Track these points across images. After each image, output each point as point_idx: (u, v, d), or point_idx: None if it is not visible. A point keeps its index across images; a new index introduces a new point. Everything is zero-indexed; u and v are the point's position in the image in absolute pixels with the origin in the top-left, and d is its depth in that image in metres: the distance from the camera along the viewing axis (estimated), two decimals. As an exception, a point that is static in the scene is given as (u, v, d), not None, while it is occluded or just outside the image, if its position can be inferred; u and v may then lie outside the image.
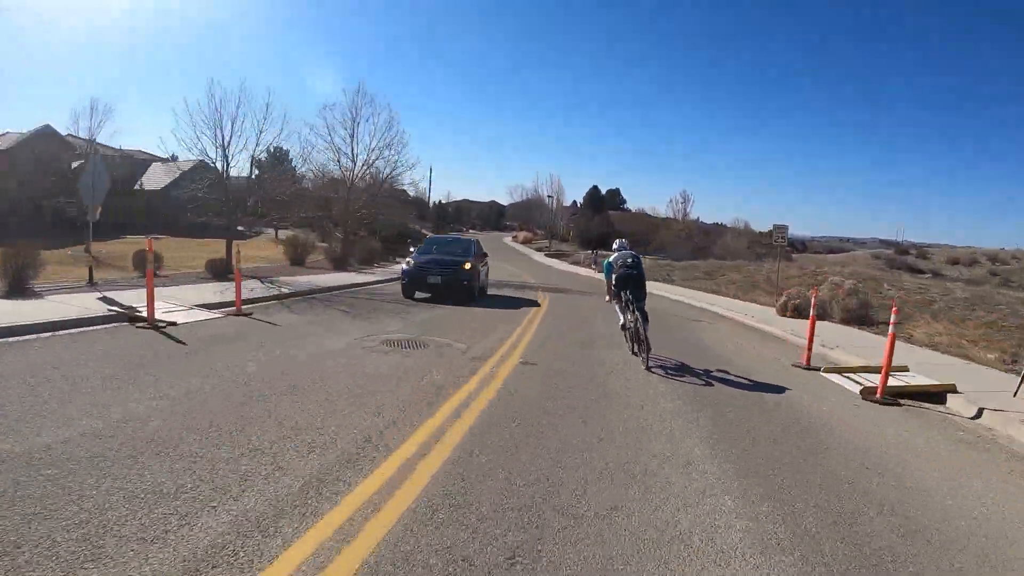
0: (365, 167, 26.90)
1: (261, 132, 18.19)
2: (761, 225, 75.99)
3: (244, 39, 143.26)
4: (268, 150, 40.65)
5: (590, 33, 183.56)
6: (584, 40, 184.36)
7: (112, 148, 34.64)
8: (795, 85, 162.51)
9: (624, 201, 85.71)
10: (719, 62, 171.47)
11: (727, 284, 27.50)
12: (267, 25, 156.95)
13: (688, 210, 67.72)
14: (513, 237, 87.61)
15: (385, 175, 27.48)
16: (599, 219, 65.00)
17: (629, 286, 8.08)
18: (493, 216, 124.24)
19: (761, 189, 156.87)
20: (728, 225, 71.01)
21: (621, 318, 8.74)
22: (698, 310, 17.99)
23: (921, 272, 58.79)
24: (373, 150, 26.60)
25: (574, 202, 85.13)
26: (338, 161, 26.68)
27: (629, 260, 8.26)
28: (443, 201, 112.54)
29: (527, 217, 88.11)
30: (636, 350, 8.23)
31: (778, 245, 20.41)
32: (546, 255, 58.17)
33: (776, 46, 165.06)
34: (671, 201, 67.62)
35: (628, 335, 8.61)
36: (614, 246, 8.99)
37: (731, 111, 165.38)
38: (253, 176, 37.75)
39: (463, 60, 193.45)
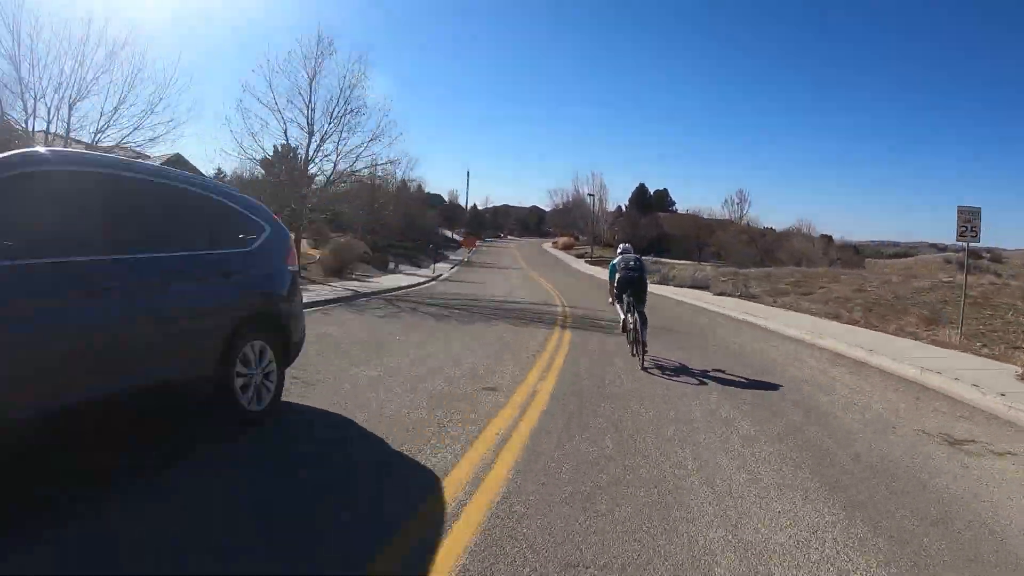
0: (321, 139, 19.39)
1: (81, 64, 10.82)
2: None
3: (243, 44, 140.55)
4: (275, 147, 34.91)
5: (630, 31, 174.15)
6: (624, 38, 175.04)
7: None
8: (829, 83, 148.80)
9: (673, 203, 76.51)
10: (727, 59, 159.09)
11: (839, 303, 18.69)
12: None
13: (745, 211, 58.18)
14: (553, 243, 79.61)
15: (342, 153, 19.81)
16: (647, 221, 56.22)
17: (631, 288, 8.09)
18: (533, 222, 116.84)
19: (776, 189, 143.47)
20: (778, 229, 61.12)
21: (622, 316, 8.38)
22: (850, 362, 9.51)
23: (999, 276, 48.45)
24: (334, 118, 19.10)
25: (619, 207, 76.66)
26: (285, 133, 19.26)
27: (631, 263, 8.29)
28: (478, 206, 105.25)
29: (568, 222, 79.88)
30: (635, 351, 7.91)
31: (967, 240, 11.73)
32: (588, 262, 49.88)
33: (769, 44, 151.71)
34: (726, 201, 58.20)
35: (629, 336, 8.23)
36: (618, 250, 9.01)
37: (776, 109, 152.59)
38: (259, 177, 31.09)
39: (500, 60, 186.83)
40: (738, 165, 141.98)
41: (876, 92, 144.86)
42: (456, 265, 41.63)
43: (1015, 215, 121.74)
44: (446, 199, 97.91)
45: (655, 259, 40.55)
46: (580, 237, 77.48)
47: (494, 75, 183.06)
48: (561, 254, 61.87)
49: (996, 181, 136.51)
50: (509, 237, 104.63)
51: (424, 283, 24.64)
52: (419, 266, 36.67)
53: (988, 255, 74.44)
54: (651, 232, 53.71)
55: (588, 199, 61.43)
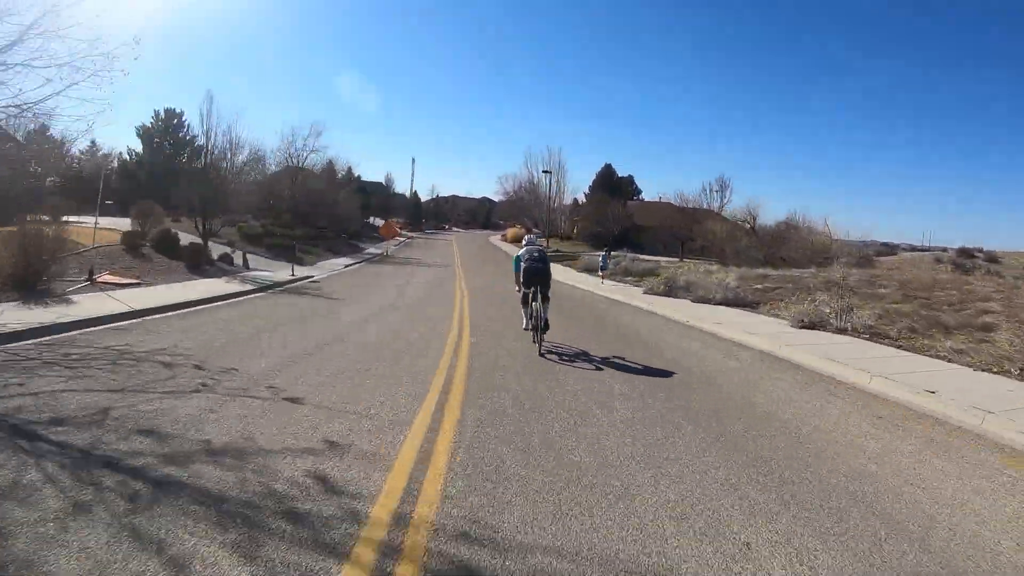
0: None
1: None
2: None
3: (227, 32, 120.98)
4: (157, 114, 24.53)
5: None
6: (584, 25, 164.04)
7: None
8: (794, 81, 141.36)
9: (639, 191, 65.73)
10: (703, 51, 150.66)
11: None
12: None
13: (726, 200, 47.61)
14: (501, 236, 67.88)
15: None
16: (615, 207, 44.80)
17: (536, 278, 8.22)
18: (482, 213, 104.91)
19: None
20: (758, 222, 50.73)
21: (524, 321, 8.94)
22: None
23: (1001, 276, 39.97)
24: None
25: (575, 200, 65.26)
26: None
27: (535, 254, 8.43)
28: (423, 196, 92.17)
29: (519, 211, 68.36)
30: (535, 338, 8.05)
31: None
32: (540, 258, 38.39)
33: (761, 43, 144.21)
34: (703, 189, 47.53)
35: (531, 325, 8.45)
36: (524, 241, 9.07)
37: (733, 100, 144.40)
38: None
39: (455, 49, 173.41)
40: (701, 155, 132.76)
41: (843, 87, 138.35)
42: (361, 262, 29.43)
43: (992, 218, 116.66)
44: (395, 189, 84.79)
45: (634, 256, 29.30)
46: (533, 229, 65.96)
47: (448, 65, 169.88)
48: (510, 247, 50.15)
49: (971, 182, 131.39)
50: (454, 229, 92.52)
51: (213, 303, 12.45)
52: (301, 262, 24.35)
53: (982, 254, 66.00)
54: (621, 221, 42.52)
55: (543, 179, 49.65)
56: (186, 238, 20.35)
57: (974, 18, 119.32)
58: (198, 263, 19.39)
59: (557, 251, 44.14)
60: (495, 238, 67.67)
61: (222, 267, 20.27)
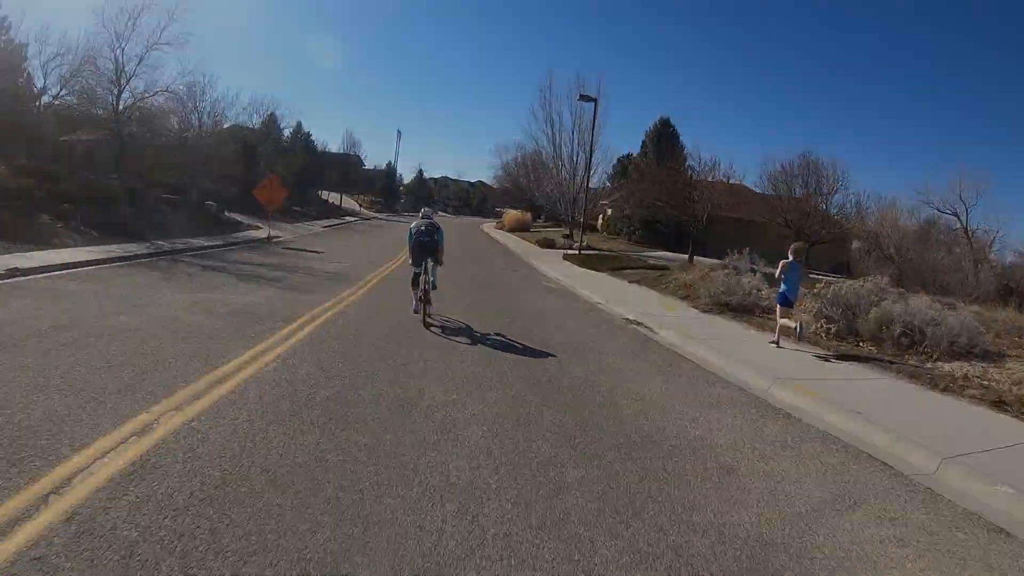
0: None
1: None
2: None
3: None
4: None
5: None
6: None
7: None
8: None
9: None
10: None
11: None
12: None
13: (837, 184, 30.19)
14: (497, 224, 50.14)
15: None
16: (702, 180, 26.60)
17: (426, 252, 8.22)
18: (476, 198, 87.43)
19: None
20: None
21: (413, 303, 8.45)
22: None
23: None
24: None
25: (605, 186, 46.12)
26: None
27: (423, 227, 8.32)
28: (391, 165, 74.08)
29: (521, 193, 51.07)
30: (424, 311, 8.15)
31: None
32: (572, 260, 20.90)
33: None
34: (783, 171, 29.94)
35: (418, 297, 8.29)
36: (420, 214, 8.83)
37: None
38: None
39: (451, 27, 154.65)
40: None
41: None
42: (95, 264, 11.84)
43: None
44: (373, 163, 66.87)
45: (881, 285, 11.85)
46: (540, 215, 48.97)
47: (447, 37, 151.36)
48: (511, 240, 32.69)
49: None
50: (440, 213, 75.03)
51: None
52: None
53: None
54: (694, 205, 24.93)
55: (574, 103, 31.59)
56: None
57: None
58: None
59: (589, 247, 26.09)
60: (488, 226, 50.36)
61: None
